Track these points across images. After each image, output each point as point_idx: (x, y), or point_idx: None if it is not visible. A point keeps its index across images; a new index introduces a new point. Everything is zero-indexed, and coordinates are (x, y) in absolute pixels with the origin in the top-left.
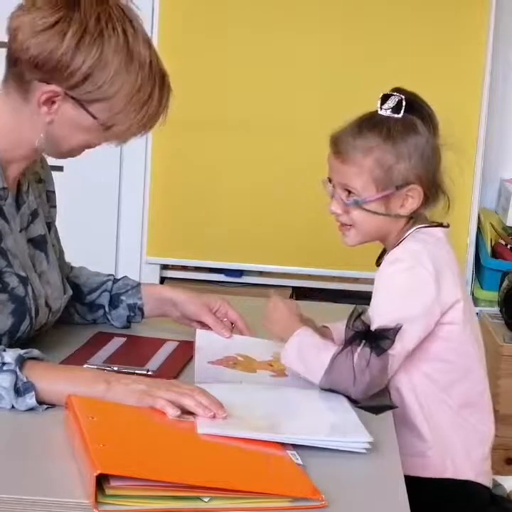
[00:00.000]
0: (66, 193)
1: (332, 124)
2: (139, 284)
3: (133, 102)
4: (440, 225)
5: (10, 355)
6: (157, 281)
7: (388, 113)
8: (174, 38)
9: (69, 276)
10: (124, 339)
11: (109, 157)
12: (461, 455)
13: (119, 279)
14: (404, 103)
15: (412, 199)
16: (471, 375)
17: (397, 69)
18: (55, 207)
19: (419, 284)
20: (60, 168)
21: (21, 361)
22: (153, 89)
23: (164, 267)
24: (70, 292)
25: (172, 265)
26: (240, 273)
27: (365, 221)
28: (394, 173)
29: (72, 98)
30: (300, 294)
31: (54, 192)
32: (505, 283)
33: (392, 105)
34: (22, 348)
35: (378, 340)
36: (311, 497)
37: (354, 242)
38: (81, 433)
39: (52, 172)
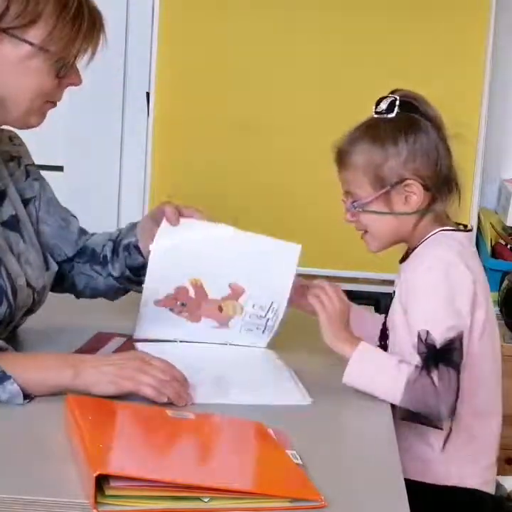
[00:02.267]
0: (66, 193)
1: (333, 124)
2: (135, 224)
3: (63, 17)
4: (465, 226)
5: None
6: None
7: (380, 115)
8: (174, 38)
9: (86, 243)
10: (124, 339)
11: (109, 157)
12: (468, 464)
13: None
14: (397, 103)
15: (414, 195)
16: (485, 386)
17: (397, 69)
18: (37, 179)
19: (458, 284)
20: (60, 168)
21: None
22: (80, 5)
23: None
24: (55, 268)
25: None
26: None
27: (374, 223)
28: (385, 171)
29: (4, 31)
30: None
31: (34, 164)
32: (505, 283)
33: (384, 107)
34: (15, 336)
35: (449, 355)
36: (311, 498)
37: (375, 248)
38: (80, 433)
39: (52, 172)
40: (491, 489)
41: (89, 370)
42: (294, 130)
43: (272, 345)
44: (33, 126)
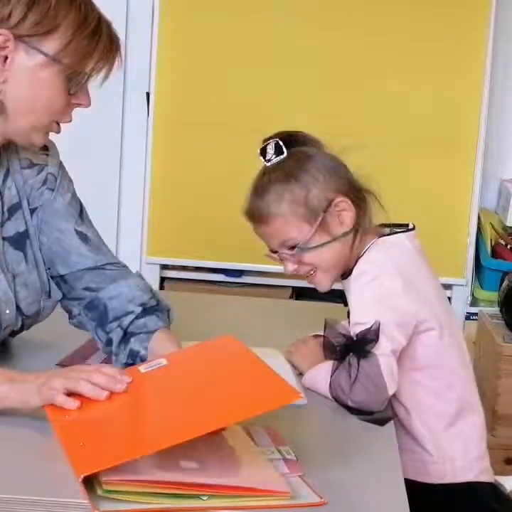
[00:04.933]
0: None
1: (332, 124)
2: (155, 331)
3: (81, 31)
4: (406, 226)
5: None
6: (157, 281)
7: (275, 160)
8: (174, 38)
9: (101, 298)
10: None
11: (109, 157)
12: (460, 457)
13: (145, 315)
14: (281, 143)
15: (345, 212)
16: (461, 379)
17: (397, 69)
18: (52, 189)
19: (387, 292)
20: None
21: None
22: (99, 22)
23: (164, 267)
24: (58, 297)
25: (172, 265)
26: (239, 273)
27: (321, 258)
28: (313, 201)
29: (20, 38)
30: (300, 294)
31: (53, 174)
32: (505, 283)
33: (272, 152)
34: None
35: (362, 345)
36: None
37: (327, 284)
38: (60, 438)
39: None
40: (489, 477)
41: (23, 384)
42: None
43: (278, 344)
44: (34, 146)
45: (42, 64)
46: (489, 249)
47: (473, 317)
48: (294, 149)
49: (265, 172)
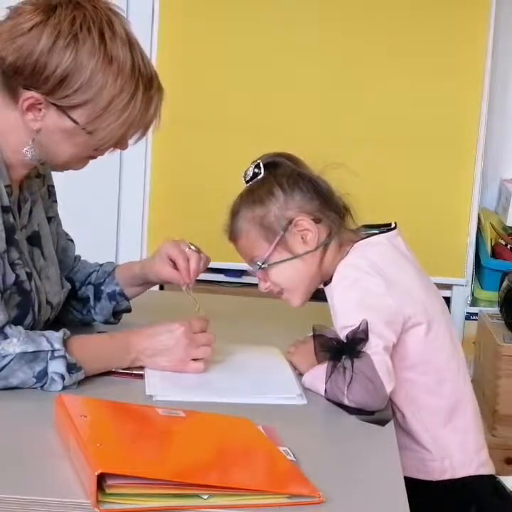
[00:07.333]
0: (66, 194)
1: (332, 124)
2: (114, 269)
3: (113, 105)
4: (388, 225)
5: (56, 340)
6: None
7: (251, 182)
8: (174, 38)
9: (72, 271)
10: None
11: (109, 158)
12: (458, 452)
13: (100, 268)
14: (261, 165)
15: (308, 232)
16: (452, 371)
17: (397, 69)
18: (56, 201)
19: (369, 292)
20: None
21: (66, 344)
22: (136, 92)
23: None
24: (69, 286)
25: None
26: (239, 273)
27: (284, 276)
28: (272, 220)
29: (53, 104)
30: None
31: (54, 186)
32: (505, 283)
33: (251, 173)
34: None
35: (354, 345)
36: (309, 493)
37: (298, 301)
38: (76, 433)
39: (52, 172)
40: (489, 470)
41: (145, 360)
42: (294, 130)
43: (277, 344)
44: (75, 169)
45: (70, 128)
46: (489, 249)
47: (473, 317)
48: (272, 171)
49: (241, 194)
